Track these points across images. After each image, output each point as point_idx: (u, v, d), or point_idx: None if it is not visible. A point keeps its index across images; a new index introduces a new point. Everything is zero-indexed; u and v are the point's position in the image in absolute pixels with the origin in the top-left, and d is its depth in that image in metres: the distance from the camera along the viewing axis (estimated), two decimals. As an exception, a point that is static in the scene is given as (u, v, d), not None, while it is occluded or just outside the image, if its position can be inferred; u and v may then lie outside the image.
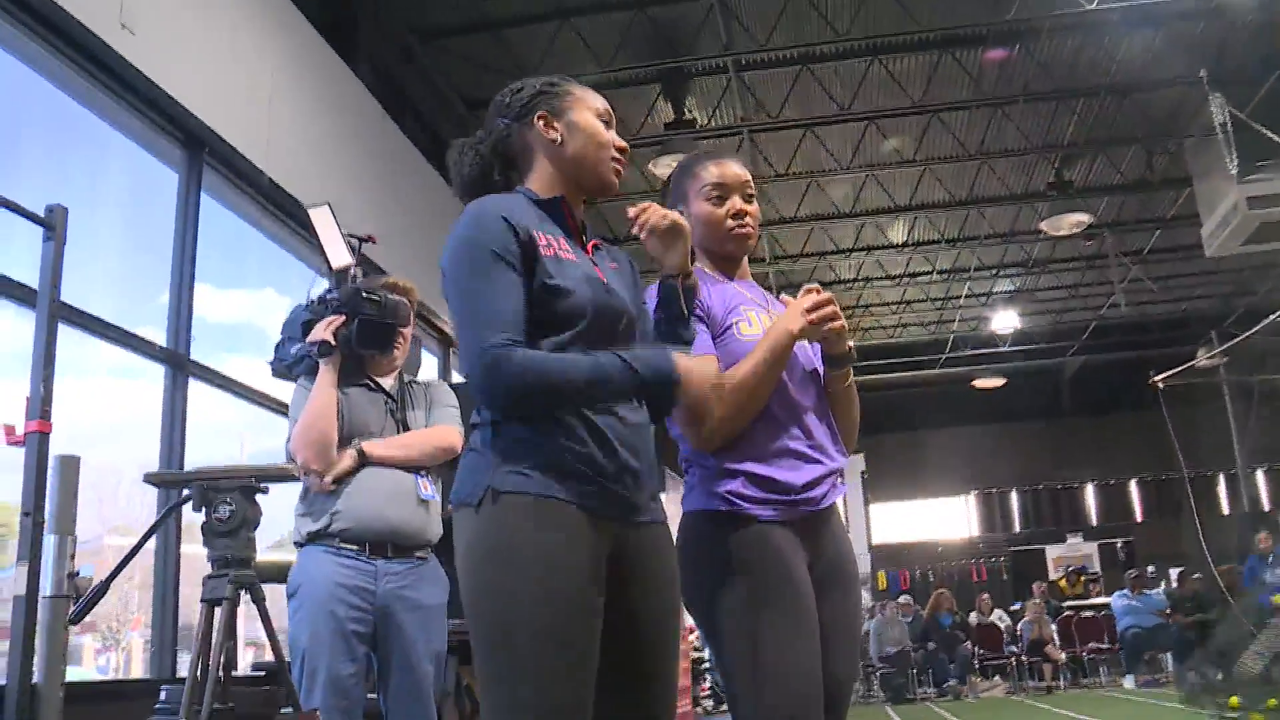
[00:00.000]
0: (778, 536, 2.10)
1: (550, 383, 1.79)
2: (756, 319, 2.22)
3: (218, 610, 2.08)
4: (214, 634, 2.06)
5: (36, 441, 3.51)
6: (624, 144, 2.07)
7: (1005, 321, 15.75)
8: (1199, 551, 10.07)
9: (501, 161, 2.05)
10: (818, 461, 2.17)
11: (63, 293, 4.33)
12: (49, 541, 3.54)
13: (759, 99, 9.97)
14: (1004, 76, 9.59)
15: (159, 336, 5.23)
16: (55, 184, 4.95)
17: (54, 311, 3.64)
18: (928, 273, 14.47)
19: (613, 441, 1.86)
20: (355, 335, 3.02)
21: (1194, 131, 10.19)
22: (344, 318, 3.03)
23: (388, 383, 3.25)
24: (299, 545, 2.96)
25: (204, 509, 2.15)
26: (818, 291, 2.18)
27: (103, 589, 2.20)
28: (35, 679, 3.38)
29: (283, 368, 3.16)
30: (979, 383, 17.89)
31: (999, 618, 13.66)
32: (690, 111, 10.03)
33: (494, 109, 2.07)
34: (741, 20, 8.66)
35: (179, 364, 5.26)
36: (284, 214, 6.41)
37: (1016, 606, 14.43)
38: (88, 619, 3.03)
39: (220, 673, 2.06)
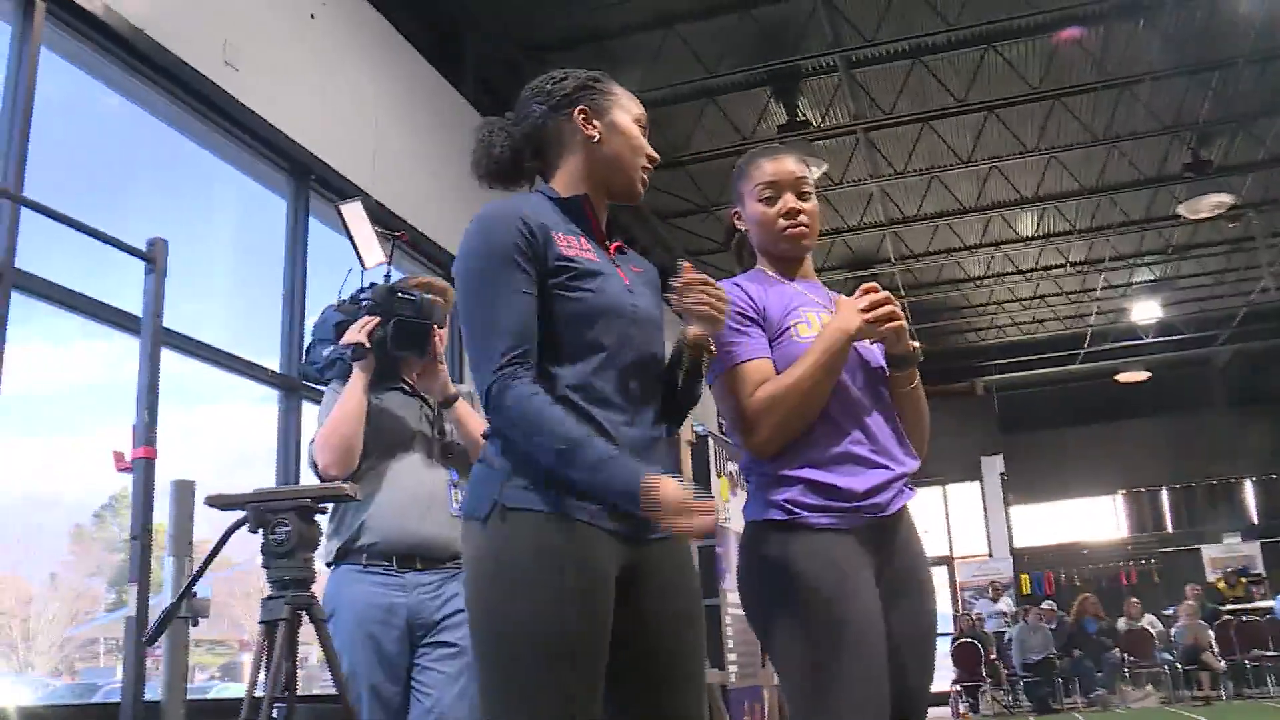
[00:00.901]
0: (839, 546, 1.98)
1: (532, 432, 1.72)
2: (816, 320, 2.11)
3: (277, 631, 2.07)
4: (274, 654, 2.05)
5: (143, 467, 3.64)
6: (656, 155, 2.01)
7: (1147, 312, 15.08)
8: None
9: (532, 149, 1.99)
10: (882, 466, 2.05)
11: (178, 323, 4.51)
12: (168, 563, 3.68)
13: (872, 96, 9.73)
14: (1129, 55, 9.14)
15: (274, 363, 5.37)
16: (166, 218, 5.11)
17: (156, 340, 3.75)
18: (1061, 265, 13.91)
19: (628, 448, 1.79)
20: (391, 337, 2.89)
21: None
22: (378, 319, 2.91)
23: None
24: (328, 565, 2.87)
25: (261, 530, 2.15)
26: (875, 290, 2.07)
27: (171, 612, 2.21)
28: (151, 696, 3.51)
29: (314, 371, 3.05)
30: (1122, 377, 17.13)
31: (1150, 623, 13.02)
32: (803, 113, 9.88)
33: (530, 93, 2.01)
34: (847, 16, 8.47)
35: (292, 388, 5.37)
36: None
37: (1169, 611, 13.70)
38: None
39: (283, 692, 2.05)
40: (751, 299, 2.11)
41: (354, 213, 3.18)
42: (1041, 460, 17.19)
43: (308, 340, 3.26)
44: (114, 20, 4.40)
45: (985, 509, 17.14)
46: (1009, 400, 17.80)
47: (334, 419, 2.79)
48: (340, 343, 2.92)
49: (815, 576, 1.95)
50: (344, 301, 3.08)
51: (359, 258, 3.13)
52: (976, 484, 17.26)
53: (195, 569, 2.42)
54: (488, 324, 1.76)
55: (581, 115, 1.95)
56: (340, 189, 5.98)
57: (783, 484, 2.02)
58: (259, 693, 2.08)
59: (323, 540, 2.89)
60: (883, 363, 2.16)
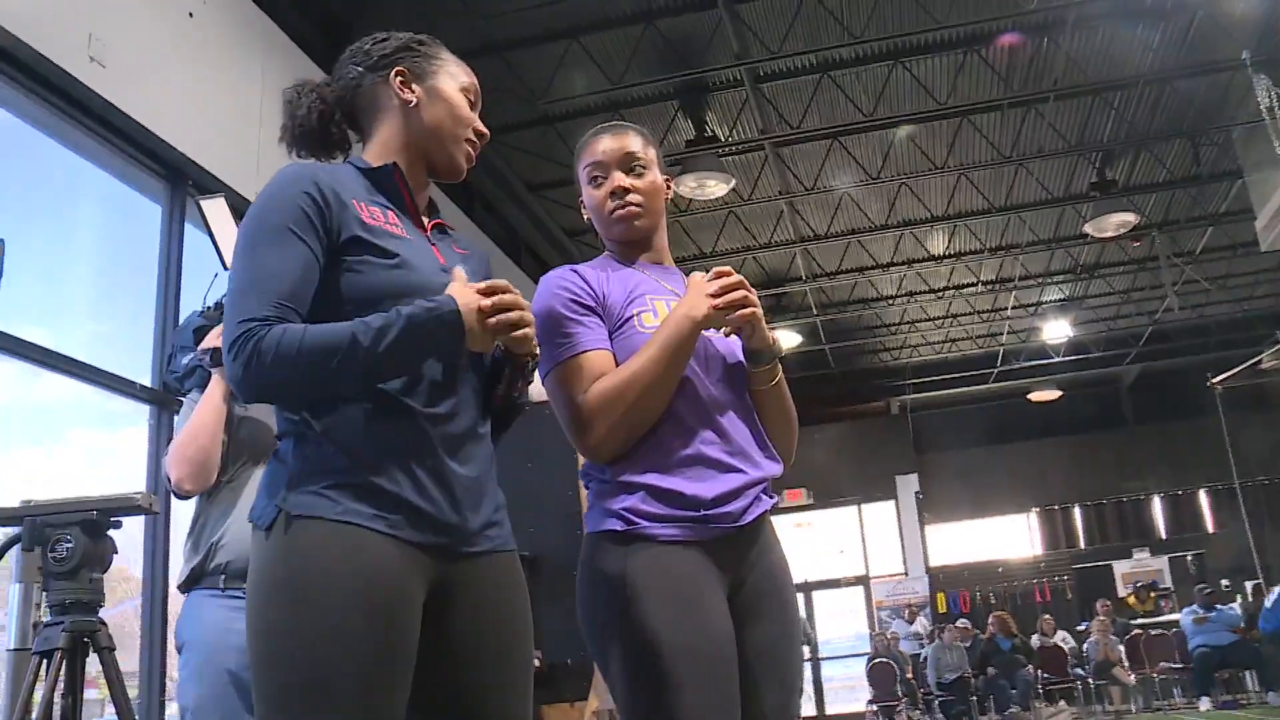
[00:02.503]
0: (684, 560, 1.76)
1: (305, 352, 1.47)
2: (665, 309, 1.89)
3: (50, 664, 1.81)
4: (41, 691, 1.79)
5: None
6: (484, 129, 1.81)
7: (1057, 331, 15.25)
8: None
9: (345, 113, 1.78)
10: (736, 470, 1.83)
11: (36, 335, 4.21)
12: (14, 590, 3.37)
13: (780, 111, 9.67)
14: (1034, 74, 9.20)
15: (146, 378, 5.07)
16: (22, 223, 4.79)
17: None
18: (972, 284, 14.00)
19: (438, 453, 1.57)
20: None
21: (1241, 119, 9.72)
22: None
23: None
24: (181, 590, 2.61)
25: (40, 548, 1.89)
26: (729, 274, 1.84)
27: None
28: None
29: (175, 381, 2.83)
30: (1034, 396, 17.34)
31: (1063, 639, 13.07)
32: (711, 128, 9.78)
33: (349, 54, 1.81)
34: (753, 28, 8.38)
35: (165, 403, 5.06)
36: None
37: (1083, 627, 13.78)
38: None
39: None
40: (589, 285, 1.90)
41: (217, 210, 2.93)
42: (956, 479, 17.26)
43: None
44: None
45: (901, 528, 17.14)
46: (923, 420, 17.88)
47: (190, 429, 2.58)
48: (199, 349, 2.70)
49: (655, 595, 1.72)
50: (209, 307, 2.85)
51: (220, 258, 2.89)
52: (892, 503, 17.26)
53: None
54: (245, 284, 1.53)
55: (399, 78, 1.76)
56: (235, 201, 5.70)
57: (622, 491, 1.80)
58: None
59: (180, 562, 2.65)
60: (740, 357, 1.95)
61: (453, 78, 1.80)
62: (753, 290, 1.86)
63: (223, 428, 2.59)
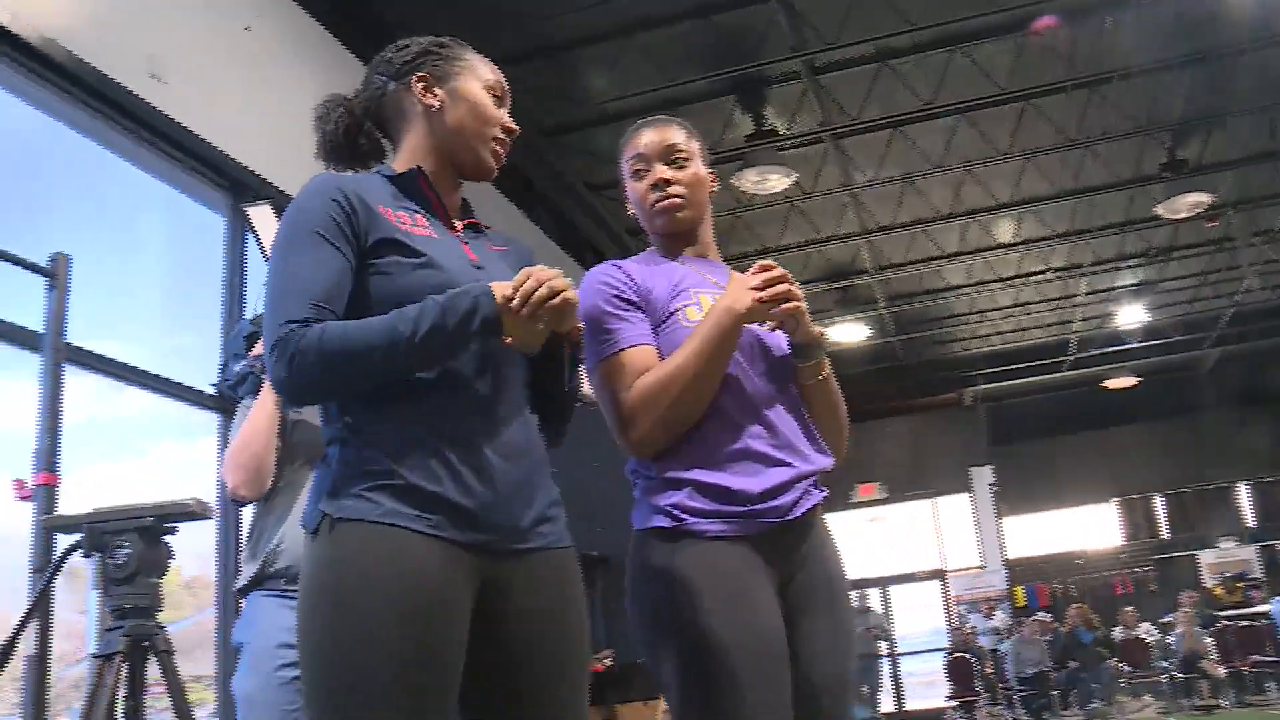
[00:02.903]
0: (732, 556, 1.74)
1: (348, 347, 1.48)
2: (710, 302, 1.87)
3: (112, 667, 1.85)
4: (101, 695, 1.82)
5: (44, 495, 3.42)
6: (513, 125, 1.80)
7: (1132, 316, 14.90)
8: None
9: (371, 123, 1.80)
10: (784, 464, 1.80)
11: (104, 348, 4.31)
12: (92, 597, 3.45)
13: (839, 102, 9.57)
14: (1097, 53, 8.98)
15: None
16: (88, 237, 4.91)
17: (58, 358, 3.54)
18: (1042, 272, 13.71)
19: (481, 450, 1.56)
20: None
21: (1318, 91, 9.41)
22: None
23: None
24: (240, 593, 2.64)
25: (98, 554, 1.93)
26: (771, 267, 1.81)
27: (7, 650, 1.99)
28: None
29: (227, 388, 2.86)
30: (1110, 383, 16.94)
31: (1146, 631, 12.78)
32: (770, 121, 9.72)
33: (374, 64, 1.83)
34: (808, 19, 8.30)
35: (230, 411, 5.14)
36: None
37: (1167, 619, 13.45)
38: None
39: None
40: (632, 280, 1.90)
41: (263, 216, 2.97)
42: (1032, 470, 16.95)
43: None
44: (23, 30, 4.21)
45: (977, 521, 16.88)
46: (997, 410, 17.57)
47: (243, 436, 2.60)
48: (250, 355, 2.72)
49: (703, 592, 1.71)
50: (260, 315, 2.90)
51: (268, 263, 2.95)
52: (967, 496, 17.01)
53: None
54: (281, 289, 1.55)
55: (421, 83, 1.77)
56: (283, 206, 5.79)
57: (669, 487, 1.79)
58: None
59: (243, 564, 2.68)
60: (787, 351, 1.92)
61: (476, 77, 1.80)
62: (797, 284, 1.82)
63: (276, 433, 2.60)
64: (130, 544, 1.87)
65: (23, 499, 3.39)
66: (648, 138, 1.99)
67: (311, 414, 2.74)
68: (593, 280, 1.91)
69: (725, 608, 1.70)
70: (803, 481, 1.83)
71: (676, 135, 2.00)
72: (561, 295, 1.54)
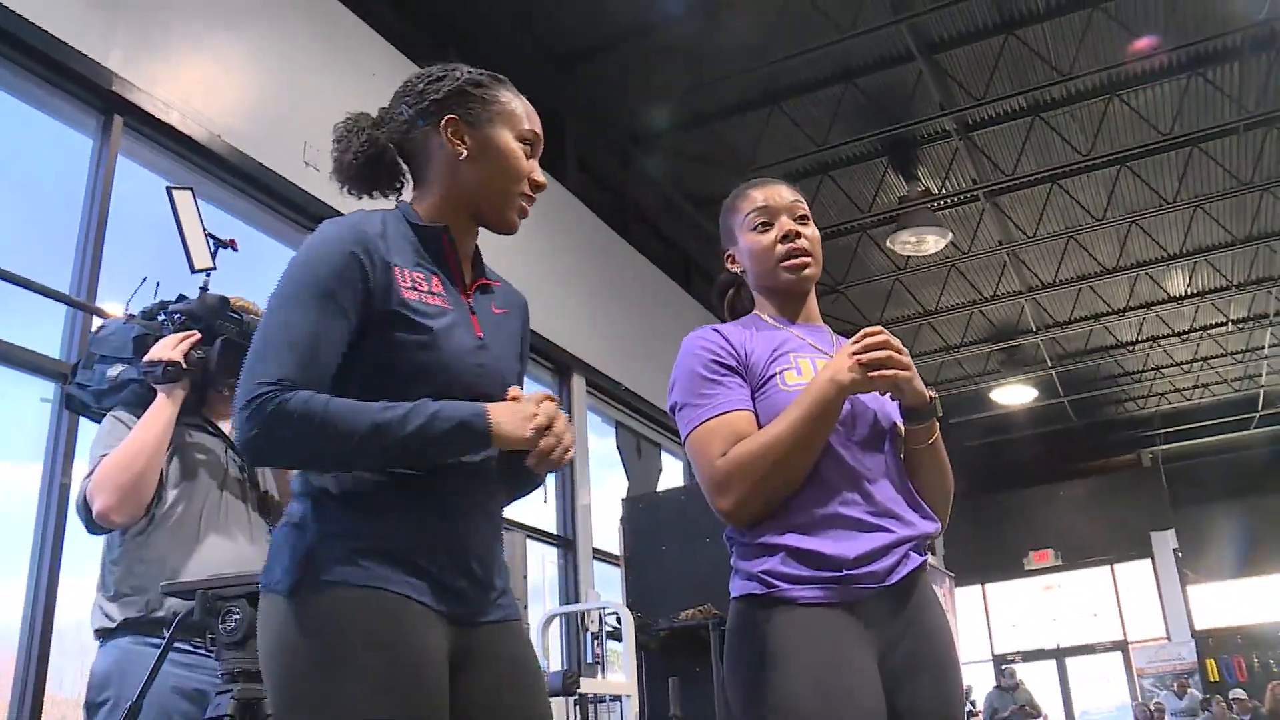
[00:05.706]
0: (828, 623, 1.68)
1: (326, 427, 1.43)
2: (811, 367, 1.83)
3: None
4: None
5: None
6: (542, 180, 1.71)
7: (1325, 368, 13.99)
8: None
9: (393, 157, 1.70)
10: (881, 530, 1.74)
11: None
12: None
13: (992, 158, 9.39)
14: (1271, 90, 8.58)
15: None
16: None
17: None
18: (1221, 324, 13.05)
19: (456, 523, 1.56)
20: (217, 359, 2.36)
21: None
22: (200, 335, 2.38)
23: (227, 427, 2.47)
24: (100, 636, 2.28)
25: (213, 618, 1.95)
26: (877, 333, 1.75)
27: (134, 710, 2.03)
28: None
29: (87, 396, 2.45)
30: (1307, 439, 15.90)
31: (1359, 710, 11.78)
32: (923, 181, 9.62)
33: (402, 90, 1.71)
34: (955, 77, 8.21)
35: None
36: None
37: (1384, 695, 12.36)
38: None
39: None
40: (730, 344, 1.85)
41: (185, 201, 2.57)
42: (1219, 534, 15.95)
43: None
44: (190, 128, 4.54)
45: (1160, 588, 15.95)
46: (1178, 471, 16.64)
47: (131, 447, 2.25)
48: (144, 359, 2.36)
49: (796, 661, 1.65)
50: (132, 315, 2.54)
51: (187, 257, 2.55)
52: (1148, 562, 16.09)
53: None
54: (273, 343, 1.49)
55: (449, 127, 1.65)
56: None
57: (763, 553, 1.74)
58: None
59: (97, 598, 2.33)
60: (895, 416, 1.86)
61: (509, 125, 1.69)
62: (903, 350, 1.76)
63: (163, 454, 2.30)
64: (240, 610, 1.90)
65: None
66: (769, 191, 1.97)
67: (200, 442, 2.44)
68: (692, 344, 1.88)
69: (819, 677, 1.64)
70: (901, 546, 1.76)
71: (796, 194, 1.98)
72: (560, 455, 1.54)
